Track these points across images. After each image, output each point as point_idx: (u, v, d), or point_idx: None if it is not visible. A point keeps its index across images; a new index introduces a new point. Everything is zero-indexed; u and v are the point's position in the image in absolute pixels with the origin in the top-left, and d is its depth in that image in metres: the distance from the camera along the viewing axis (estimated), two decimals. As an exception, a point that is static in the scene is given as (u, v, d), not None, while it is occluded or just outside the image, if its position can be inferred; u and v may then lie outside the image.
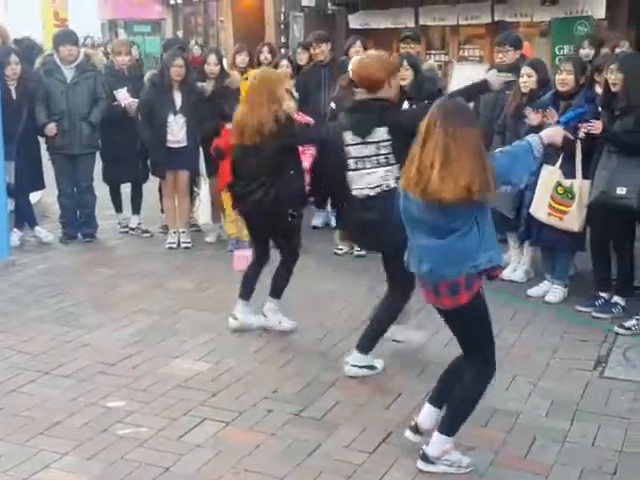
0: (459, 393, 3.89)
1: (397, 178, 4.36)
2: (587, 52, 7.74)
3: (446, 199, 3.51)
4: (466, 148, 3.52)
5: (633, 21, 11.05)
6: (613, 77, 5.65)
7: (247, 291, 5.73)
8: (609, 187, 5.66)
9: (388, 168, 4.73)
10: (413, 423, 4.05)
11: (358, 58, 5.14)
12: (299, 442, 4.13)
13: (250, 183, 5.43)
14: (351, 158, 4.81)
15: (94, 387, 4.75)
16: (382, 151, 4.75)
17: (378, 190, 4.76)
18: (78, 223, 8.25)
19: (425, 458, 3.88)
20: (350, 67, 5.56)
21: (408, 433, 4.06)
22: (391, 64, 4.91)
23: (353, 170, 4.82)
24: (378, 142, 4.74)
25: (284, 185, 5.35)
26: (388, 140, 4.72)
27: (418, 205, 3.67)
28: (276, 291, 5.68)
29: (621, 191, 5.60)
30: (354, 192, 4.82)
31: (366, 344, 4.96)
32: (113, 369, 5.02)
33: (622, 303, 5.90)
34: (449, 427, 3.87)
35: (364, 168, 4.79)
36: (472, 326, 3.85)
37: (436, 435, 3.88)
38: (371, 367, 4.96)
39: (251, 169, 5.43)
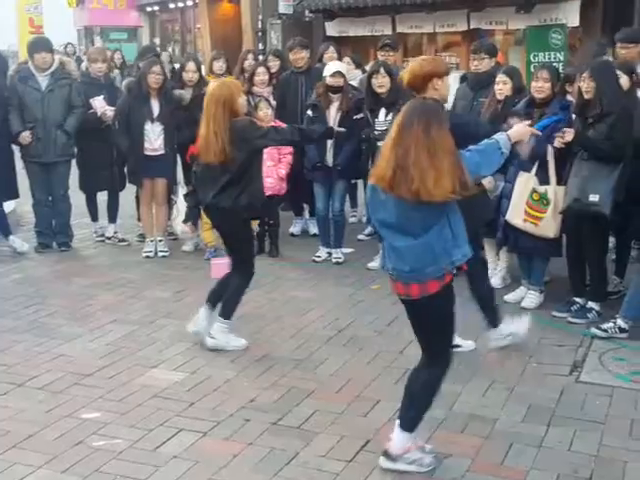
0: (416, 389, 3.93)
1: None
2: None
3: (434, 198, 3.55)
4: (445, 147, 3.58)
5: (606, 29, 11.16)
6: (585, 85, 5.69)
7: (215, 298, 5.63)
8: (582, 194, 5.70)
9: None
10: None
11: (412, 61, 5.13)
12: (276, 451, 4.11)
13: (213, 192, 5.39)
14: None
15: (69, 399, 4.71)
16: None
17: None
18: (53, 232, 8.20)
19: (387, 455, 3.91)
20: (401, 72, 5.53)
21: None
22: (441, 66, 4.92)
23: None
24: None
25: (247, 191, 5.34)
26: None
27: (392, 203, 3.70)
28: (225, 312, 5.48)
29: (594, 198, 5.65)
30: None
31: None
32: (88, 380, 4.98)
33: (597, 308, 5.94)
34: (409, 423, 3.90)
35: None
36: (436, 318, 3.86)
37: (397, 432, 3.92)
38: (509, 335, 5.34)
39: (215, 181, 5.36)
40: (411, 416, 3.92)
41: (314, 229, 8.44)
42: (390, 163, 3.64)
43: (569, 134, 5.70)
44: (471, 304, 5.35)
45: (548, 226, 6.01)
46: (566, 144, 5.76)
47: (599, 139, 5.61)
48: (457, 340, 5.24)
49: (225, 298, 5.52)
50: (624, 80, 5.90)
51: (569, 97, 6.21)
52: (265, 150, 5.88)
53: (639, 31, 7.84)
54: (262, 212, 5.66)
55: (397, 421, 3.97)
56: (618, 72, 5.87)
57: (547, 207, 5.98)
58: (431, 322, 3.88)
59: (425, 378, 3.93)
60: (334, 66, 7.57)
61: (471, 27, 12.98)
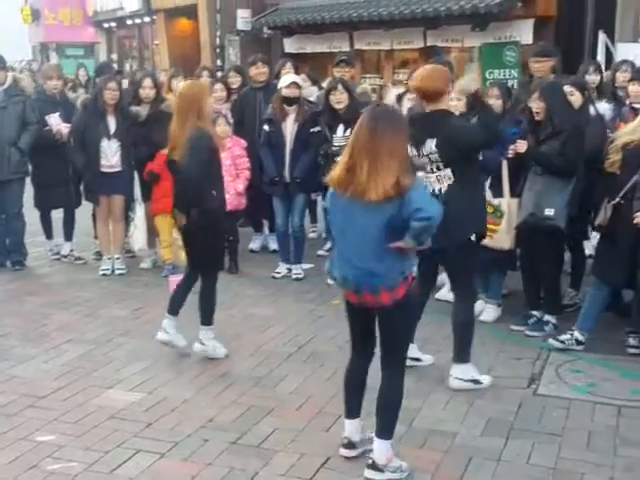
0: (385, 398, 4.02)
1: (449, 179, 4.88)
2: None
3: (372, 198, 3.70)
4: (392, 150, 3.73)
5: (557, 46, 11.33)
6: (536, 105, 5.79)
7: (175, 307, 5.68)
8: (537, 209, 5.77)
9: (439, 173, 4.91)
10: (345, 440, 4.18)
11: (419, 70, 5.11)
12: (236, 471, 4.08)
13: (183, 198, 5.45)
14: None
15: (23, 421, 4.62)
16: (433, 162, 4.91)
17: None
18: (7, 251, 8.08)
19: (374, 467, 3.96)
20: (409, 80, 5.55)
21: (343, 450, 4.18)
22: (447, 75, 5.01)
23: None
24: (428, 154, 4.89)
25: (207, 201, 5.38)
26: (435, 152, 4.86)
27: (348, 206, 3.83)
28: (206, 318, 5.60)
29: (549, 212, 5.72)
30: None
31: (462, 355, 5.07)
32: (43, 402, 4.90)
33: (553, 321, 6.00)
34: (387, 430, 3.98)
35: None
36: (404, 323, 4.02)
37: (378, 442, 3.97)
38: (475, 382, 5.05)
39: (182, 185, 5.44)
40: (387, 424, 4.00)
41: (274, 245, 8.42)
42: (343, 165, 3.82)
43: (521, 146, 5.81)
44: (433, 317, 5.38)
45: (503, 238, 6.06)
46: (519, 157, 5.83)
47: (552, 154, 5.68)
48: (417, 354, 5.28)
49: (200, 305, 5.59)
50: (576, 97, 6.01)
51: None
52: (222, 167, 5.88)
53: (551, 46, 7.99)
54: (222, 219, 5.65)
55: (373, 436, 4.04)
56: (571, 89, 5.98)
57: (501, 219, 6.04)
58: (398, 327, 4.00)
59: (394, 385, 4.02)
60: (290, 77, 7.62)
61: (427, 44, 13.11)
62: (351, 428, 4.20)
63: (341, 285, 4.04)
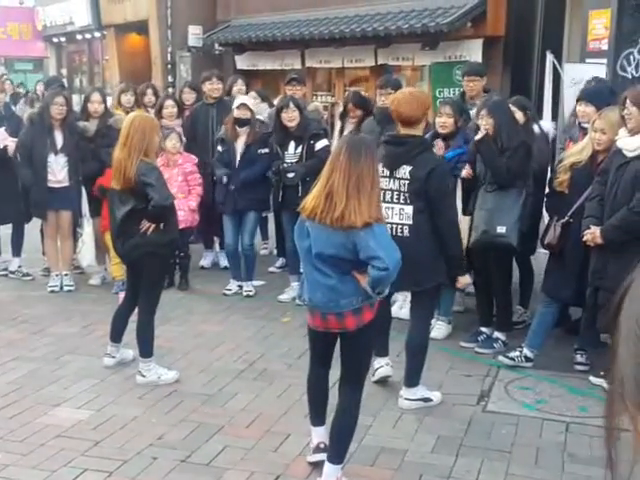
0: (341, 422, 4.04)
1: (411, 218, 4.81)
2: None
3: (356, 225, 3.75)
4: (373, 177, 3.84)
5: (506, 65, 11.54)
6: (484, 122, 5.88)
7: (116, 333, 5.66)
8: (489, 227, 5.85)
9: (402, 207, 4.88)
10: (322, 445, 4.22)
11: (398, 94, 5.14)
12: (185, 489, 4.05)
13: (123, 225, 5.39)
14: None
15: (-32, 440, 4.53)
16: (401, 191, 4.89)
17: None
18: (-46, 267, 7.93)
19: None
20: (388, 103, 5.47)
21: (313, 457, 4.23)
22: (427, 102, 5.05)
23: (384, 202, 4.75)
24: (400, 179, 4.88)
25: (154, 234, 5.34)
26: (407, 180, 4.86)
27: (322, 234, 3.87)
28: (144, 350, 5.45)
29: (501, 230, 5.80)
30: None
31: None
32: (-11, 420, 4.81)
33: (503, 338, 6.07)
34: (339, 456, 4.00)
35: (390, 202, 4.88)
36: (367, 345, 4.08)
37: (327, 466, 3.98)
38: (425, 400, 5.03)
39: (124, 214, 5.36)
40: (340, 448, 4.02)
41: (224, 262, 8.38)
42: (320, 193, 3.87)
43: (467, 173, 6.02)
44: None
45: None
46: (471, 177, 5.94)
47: (501, 169, 5.78)
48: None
49: (138, 337, 5.46)
50: (519, 116, 6.13)
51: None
52: (174, 183, 5.86)
53: (483, 65, 8.16)
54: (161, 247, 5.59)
55: (324, 459, 4.05)
56: (513, 108, 6.10)
57: None
58: (362, 350, 4.05)
59: (350, 411, 4.05)
60: (240, 99, 7.64)
61: (378, 63, 13.21)
62: (320, 434, 4.26)
63: (310, 308, 4.06)
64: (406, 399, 5.04)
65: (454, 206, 5.23)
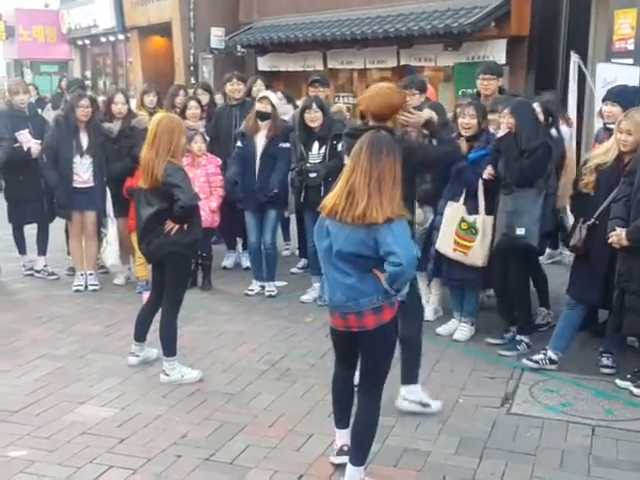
0: (361, 423, 4.01)
1: None
2: None
3: (377, 221, 3.73)
4: (390, 175, 3.79)
5: (530, 66, 11.50)
6: (505, 121, 5.88)
7: (140, 332, 5.71)
8: (509, 229, 5.84)
9: None
10: (337, 447, 4.25)
11: (370, 89, 5.01)
12: (209, 488, 4.06)
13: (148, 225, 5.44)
14: None
15: (-5, 436, 4.57)
16: None
17: None
18: (-21, 266, 8.01)
19: None
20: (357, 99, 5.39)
21: (337, 458, 4.24)
22: (399, 99, 4.89)
23: None
24: None
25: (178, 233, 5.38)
26: None
27: (342, 232, 3.84)
28: (168, 350, 5.47)
29: (520, 232, 5.78)
30: None
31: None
32: (15, 417, 4.84)
33: (526, 340, 6.03)
34: (361, 457, 3.99)
35: None
36: (387, 345, 4.01)
37: (350, 468, 3.97)
38: (423, 404, 4.96)
39: (149, 214, 5.42)
40: (362, 451, 4.00)
41: (247, 262, 8.40)
42: (341, 192, 3.84)
43: (487, 173, 5.97)
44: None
45: (477, 255, 6.11)
46: (493, 177, 5.93)
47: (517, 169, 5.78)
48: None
49: (161, 337, 5.49)
50: (541, 117, 6.12)
51: (491, 129, 6.36)
52: (196, 184, 5.89)
53: (499, 65, 8.11)
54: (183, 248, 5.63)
55: (346, 461, 4.05)
56: (538, 109, 6.07)
57: (475, 236, 6.09)
58: (382, 351, 4.00)
59: (371, 412, 4.03)
60: (262, 92, 7.75)
61: (401, 64, 13.20)
62: (343, 436, 4.25)
63: (330, 308, 4.04)
64: (404, 399, 4.94)
65: None
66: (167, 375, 5.44)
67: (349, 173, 3.86)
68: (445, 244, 6.23)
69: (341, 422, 4.28)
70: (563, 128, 6.89)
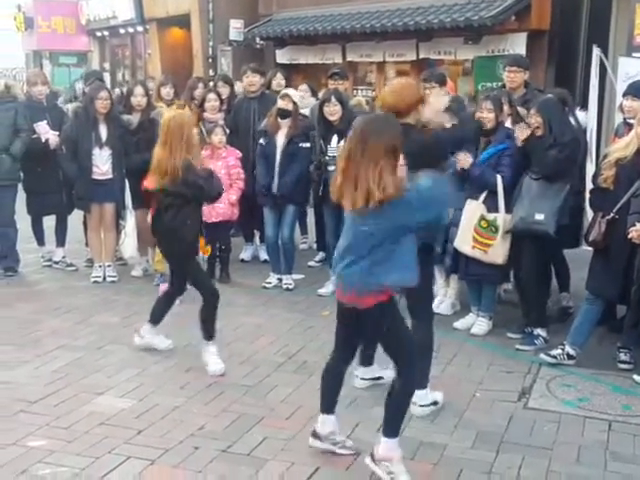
0: (398, 395, 4.06)
1: None
2: None
3: (347, 206, 3.78)
4: (371, 158, 3.70)
5: (551, 60, 11.42)
6: (533, 121, 5.88)
7: (157, 316, 5.83)
8: (527, 213, 5.83)
9: None
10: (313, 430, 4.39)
11: (389, 85, 4.96)
12: (227, 479, 4.06)
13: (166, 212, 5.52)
14: None
15: (14, 426, 4.60)
16: None
17: None
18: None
19: (372, 457, 4.06)
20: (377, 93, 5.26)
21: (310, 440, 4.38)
22: (416, 95, 4.75)
23: None
24: None
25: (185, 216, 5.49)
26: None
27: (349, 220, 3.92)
28: (207, 334, 5.61)
29: (539, 217, 5.78)
30: None
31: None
32: (34, 407, 4.88)
33: (544, 335, 6.02)
34: (395, 430, 4.06)
35: None
36: (391, 322, 4.02)
37: (386, 441, 4.04)
38: (434, 403, 4.96)
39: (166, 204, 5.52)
40: (395, 423, 4.08)
41: (264, 255, 8.42)
42: (339, 174, 3.84)
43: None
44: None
45: (497, 253, 6.09)
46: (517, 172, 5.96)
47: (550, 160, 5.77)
48: (378, 372, 5.24)
49: (202, 321, 5.61)
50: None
51: (507, 124, 6.34)
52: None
53: (526, 58, 8.04)
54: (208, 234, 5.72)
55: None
56: None
57: (496, 234, 6.06)
58: (388, 328, 4.03)
59: (407, 384, 4.09)
60: (285, 90, 7.75)
61: (420, 57, 13.15)
62: (323, 421, 4.36)
63: (336, 279, 4.12)
64: (420, 406, 4.86)
65: None
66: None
67: (345, 162, 3.81)
68: (463, 242, 6.21)
69: (325, 408, 4.37)
70: (581, 115, 6.84)
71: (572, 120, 6.38)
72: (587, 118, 7.04)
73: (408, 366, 4.07)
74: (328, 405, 4.38)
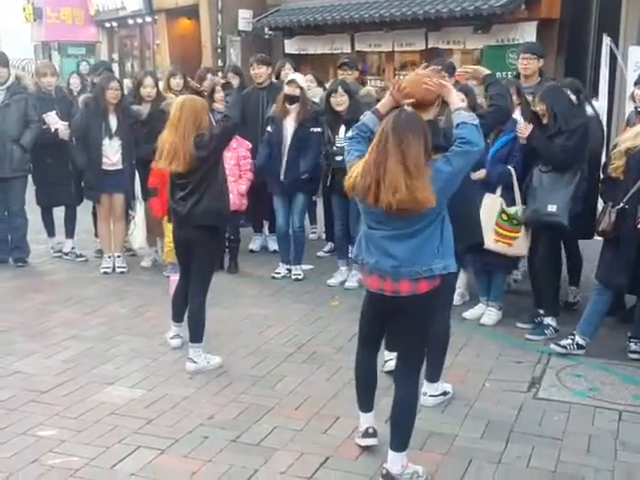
0: (401, 408, 3.96)
1: None
2: None
3: (404, 205, 3.59)
4: (416, 158, 3.61)
5: (561, 49, 11.37)
6: (538, 109, 5.86)
7: (178, 313, 5.70)
8: (540, 204, 5.81)
9: None
10: (370, 430, 4.26)
11: (410, 75, 4.69)
12: (236, 469, 4.08)
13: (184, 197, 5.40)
14: None
15: (24, 416, 4.62)
16: None
17: None
18: (9, 248, 8.09)
19: (389, 477, 3.93)
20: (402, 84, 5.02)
21: (363, 441, 4.25)
22: (426, 90, 4.47)
23: None
24: None
25: (210, 199, 5.33)
26: None
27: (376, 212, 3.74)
28: (195, 336, 5.42)
29: (552, 208, 5.76)
30: None
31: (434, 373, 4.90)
32: (44, 397, 4.90)
33: (554, 324, 6.01)
34: (402, 443, 3.95)
35: None
36: (421, 320, 3.89)
37: (392, 454, 3.94)
38: (444, 393, 4.93)
39: (183, 188, 5.40)
40: (403, 436, 3.97)
41: (273, 245, 8.43)
42: (370, 175, 3.67)
43: (525, 130, 5.90)
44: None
45: (522, 245, 6.11)
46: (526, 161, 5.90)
47: (557, 149, 5.75)
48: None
49: (190, 323, 5.47)
50: (573, 98, 6.07)
51: (516, 114, 6.30)
52: (226, 166, 5.88)
53: (539, 45, 7.98)
54: (222, 221, 5.61)
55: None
56: (567, 92, 6.03)
57: (519, 227, 6.07)
58: (415, 323, 3.89)
59: (409, 396, 3.99)
60: (290, 75, 7.75)
61: (429, 46, 13.10)
62: (367, 419, 4.27)
63: (369, 270, 3.89)
64: (430, 396, 4.87)
65: None
66: (195, 362, 5.37)
67: (375, 158, 3.68)
68: (485, 237, 6.16)
69: (366, 406, 4.28)
70: (597, 104, 6.81)
71: (589, 109, 6.35)
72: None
73: (417, 375, 4.02)
74: (366, 401, 4.28)
